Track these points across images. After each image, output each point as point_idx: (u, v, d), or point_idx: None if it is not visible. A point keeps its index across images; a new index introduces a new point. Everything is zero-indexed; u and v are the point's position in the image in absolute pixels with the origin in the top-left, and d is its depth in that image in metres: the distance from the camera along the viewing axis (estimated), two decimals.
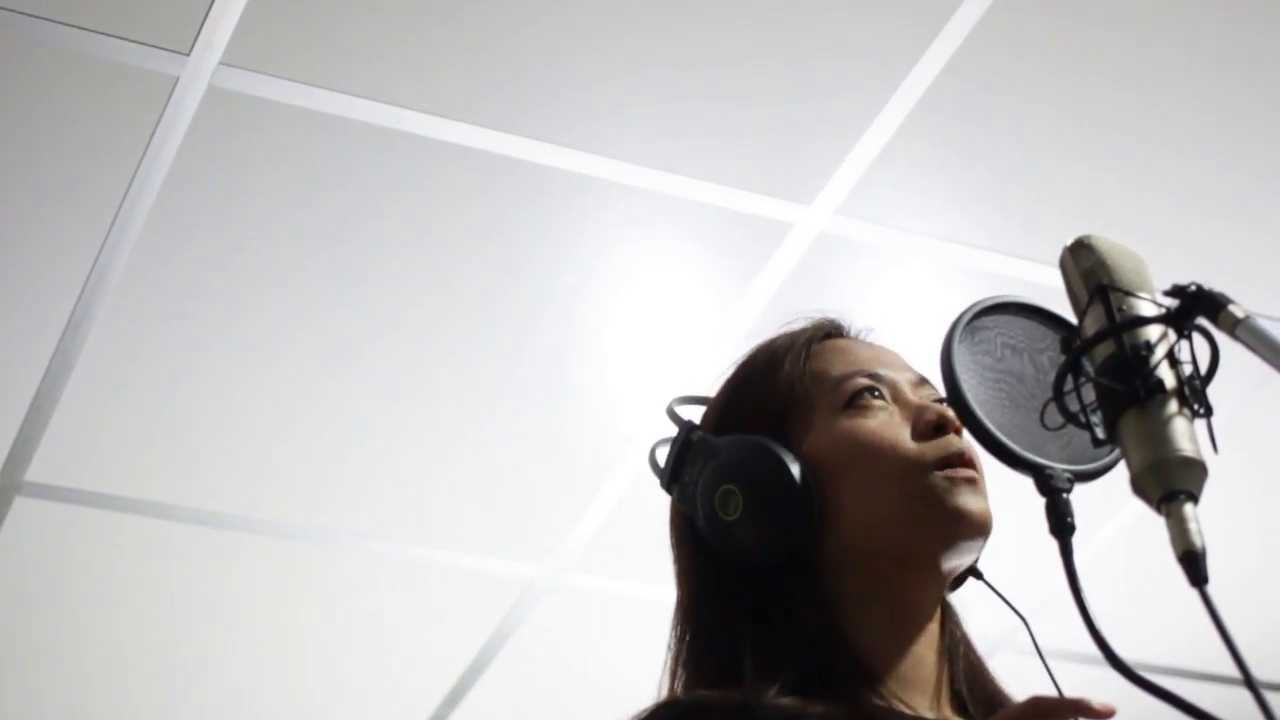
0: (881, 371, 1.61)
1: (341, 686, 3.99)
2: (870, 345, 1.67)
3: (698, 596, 1.59)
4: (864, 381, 1.59)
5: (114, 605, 3.70)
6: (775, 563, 1.55)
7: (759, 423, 1.60)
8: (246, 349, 3.19)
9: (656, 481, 1.67)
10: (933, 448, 1.55)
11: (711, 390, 1.70)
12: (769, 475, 1.55)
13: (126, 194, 2.90)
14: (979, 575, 1.61)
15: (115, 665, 3.86)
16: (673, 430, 1.65)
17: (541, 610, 3.82)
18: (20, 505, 3.45)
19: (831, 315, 1.70)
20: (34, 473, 3.38)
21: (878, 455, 1.55)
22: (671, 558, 1.65)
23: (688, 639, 1.58)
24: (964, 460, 1.54)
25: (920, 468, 1.53)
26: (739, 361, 1.68)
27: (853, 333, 1.69)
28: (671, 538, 1.65)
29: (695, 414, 1.70)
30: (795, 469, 1.55)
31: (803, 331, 1.67)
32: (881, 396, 1.59)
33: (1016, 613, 1.59)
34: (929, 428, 1.56)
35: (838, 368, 1.61)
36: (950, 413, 1.56)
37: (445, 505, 3.55)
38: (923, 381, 1.63)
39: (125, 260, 3.00)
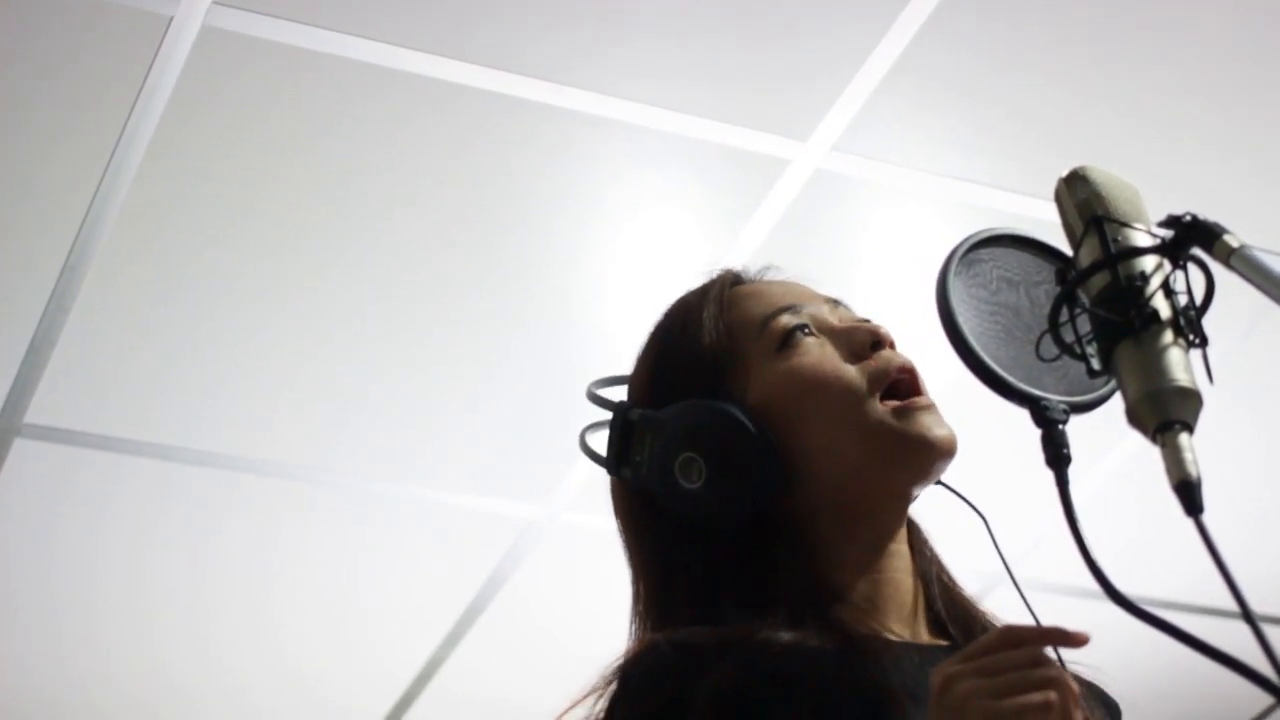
0: (799, 304, 1.61)
1: (342, 626, 4.00)
2: (780, 282, 1.66)
3: (669, 571, 1.57)
4: (789, 319, 1.58)
5: (113, 547, 3.71)
6: (747, 520, 1.54)
7: (695, 385, 1.58)
8: (244, 290, 3.19)
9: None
10: (873, 368, 1.55)
11: (628, 368, 1.67)
12: (726, 434, 1.54)
13: (121, 135, 2.89)
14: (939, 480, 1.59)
15: (114, 607, 3.87)
16: (600, 415, 1.63)
17: (541, 549, 3.82)
18: (19, 447, 3.45)
19: (727, 267, 1.69)
20: (32, 415, 3.38)
21: (824, 389, 1.54)
22: (622, 542, 1.63)
23: (656, 610, 1.57)
24: (905, 371, 1.54)
25: (868, 395, 1.53)
26: (651, 332, 1.66)
27: (754, 275, 1.68)
28: (621, 522, 1.64)
29: (618, 394, 1.66)
30: (749, 422, 1.53)
31: (710, 285, 1.66)
32: (809, 331, 1.58)
33: (977, 512, 1.58)
34: (863, 347, 1.56)
35: (757, 311, 1.60)
36: (878, 326, 1.57)
37: (444, 445, 3.56)
38: (837, 303, 1.63)
39: (121, 202, 2.99)
